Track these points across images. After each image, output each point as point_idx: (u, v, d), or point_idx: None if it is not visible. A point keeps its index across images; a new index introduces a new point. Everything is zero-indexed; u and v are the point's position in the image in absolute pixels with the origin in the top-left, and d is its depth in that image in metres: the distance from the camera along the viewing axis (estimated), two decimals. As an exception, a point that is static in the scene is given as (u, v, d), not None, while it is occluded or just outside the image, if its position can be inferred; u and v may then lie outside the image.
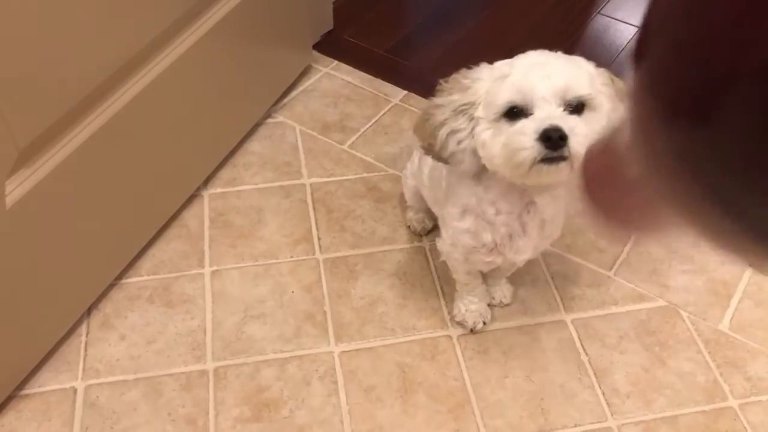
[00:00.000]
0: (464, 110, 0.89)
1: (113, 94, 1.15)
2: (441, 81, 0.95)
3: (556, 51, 0.92)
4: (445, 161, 0.94)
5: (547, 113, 0.84)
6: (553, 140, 0.83)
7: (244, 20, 1.40)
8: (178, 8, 1.24)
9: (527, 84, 0.85)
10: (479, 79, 0.90)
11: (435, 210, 1.19)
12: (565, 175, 0.86)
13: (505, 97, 0.85)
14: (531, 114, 0.85)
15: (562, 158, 0.84)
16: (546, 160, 0.84)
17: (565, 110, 0.85)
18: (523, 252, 1.05)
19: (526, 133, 0.84)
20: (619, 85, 0.92)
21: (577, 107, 0.86)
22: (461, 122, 0.90)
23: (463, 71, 0.93)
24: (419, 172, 1.20)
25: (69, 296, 1.19)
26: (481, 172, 0.96)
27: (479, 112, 0.88)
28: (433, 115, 0.91)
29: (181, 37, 1.28)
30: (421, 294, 1.29)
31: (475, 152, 0.91)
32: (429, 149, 0.94)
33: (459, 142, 0.90)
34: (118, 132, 1.17)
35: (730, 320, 1.28)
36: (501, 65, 0.90)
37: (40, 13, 0.95)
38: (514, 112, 0.86)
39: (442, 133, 0.91)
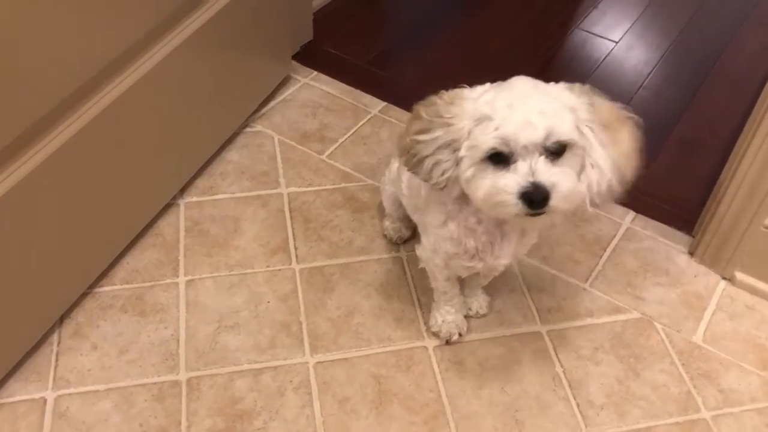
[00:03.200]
0: (448, 145, 0.90)
1: (90, 101, 1.15)
2: (420, 108, 0.92)
3: (536, 77, 0.92)
4: (429, 184, 0.95)
5: (529, 167, 0.85)
6: (536, 202, 0.85)
7: (222, 30, 1.40)
8: (156, 16, 1.23)
9: (510, 132, 0.85)
10: (460, 116, 0.89)
11: (414, 217, 1.19)
12: (547, 224, 0.88)
13: (489, 144, 0.86)
14: (515, 161, 0.86)
15: (544, 212, 0.86)
16: (528, 214, 0.86)
17: (547, 157, 0.86)
18: (503, 257, 1.06)
19: (509, 191, 0.85)
20: (603, 112, 0.91)
21: (558, 150, 0.87)
22: (446, 155, 0.90)
23: (443, 100, 0.91)
24: (398, 180, 1.20)
25: (41, 305, 1.17)
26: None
27: (462, 151, 0.89)
28: (418, 152, 0.91)
29: (158, 45, 1.27)
30: (398, 304, 1.29)
31: (459, 180, 0.91)
32: (415, 174, 0.96)
33: (443, 173, 0.91)
34: (94, 139, 1.16)
35: (704, 332, 1.28)
36: (482, 103, 0.88)
37: (13, 20, 0.94)
38: (498, 155, 0.86)
39: (427, 164, 0.91)
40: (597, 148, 0.90)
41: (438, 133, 0.90)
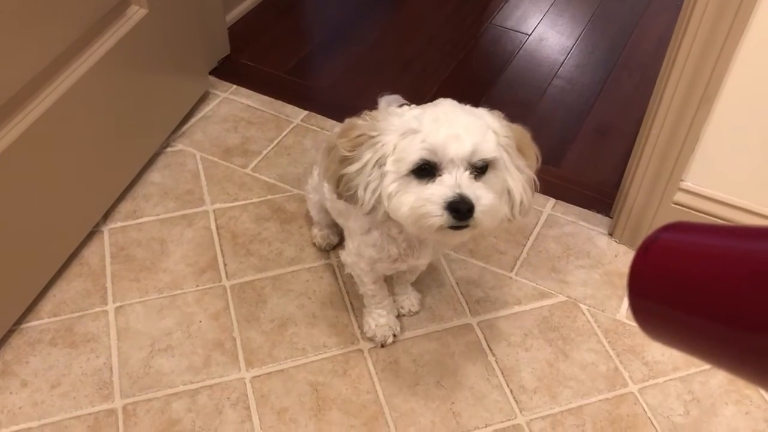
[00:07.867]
0: (376, 162, 0.91)
1: (1, 129, 1.13)
2: (349, 130, 0.93)
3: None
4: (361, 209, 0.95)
5: (455, 179, 0.87)
6: (461, 212, 0.86)
7: (134, 50, 1.39)
8: (63, 41, 1.22)
9: (439, 143, 0.87)
10: (387, 131, 0.90)
11: (340, 221, 1.21)
12: (467, 238, 0.89)
13: (417, 155, 0.87)
14: (439, 174, 0.88)
15: (467, 225, 0.88)
16: (452, 227, 0.88)
17: (471, 173, 0.88)
18: (423, 257, 1.09)
19: (434, 202, 0.87)
20: (518, 136, 0.95)
21: (482, 168, 0.90)
22: (374, 174, 0.91)
23: (369, 117, 0.92)
24: (320, 186, 1.22)
25: (-37, 347, 1.15)
26: None
27: (388, 166, 0.90)
28: (349, 181, 0.92)
29: (70, 68, 1.25)
30: (331, 311, 1.31)
31: (382, 200, 0.92)
32: (348, 202, 0.96)
33: (374, 191, 0.91)
34: (9, 169, 1.14)
35: (627, 309, 1.34)
36: (409, 117, 0.91)
37: None
38: (423, 169, 0.88)
39: (359, 190, 0.91)
40: (513, 171, 0.93)
41: (368, 155, 0.90)
